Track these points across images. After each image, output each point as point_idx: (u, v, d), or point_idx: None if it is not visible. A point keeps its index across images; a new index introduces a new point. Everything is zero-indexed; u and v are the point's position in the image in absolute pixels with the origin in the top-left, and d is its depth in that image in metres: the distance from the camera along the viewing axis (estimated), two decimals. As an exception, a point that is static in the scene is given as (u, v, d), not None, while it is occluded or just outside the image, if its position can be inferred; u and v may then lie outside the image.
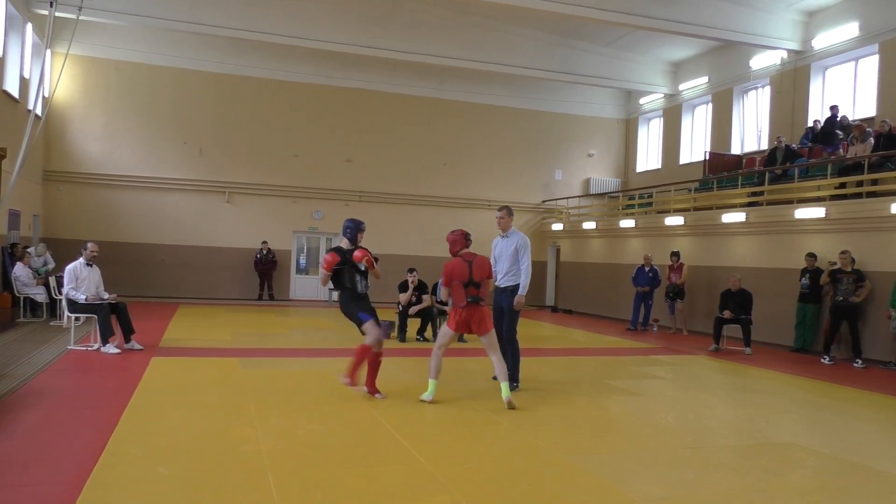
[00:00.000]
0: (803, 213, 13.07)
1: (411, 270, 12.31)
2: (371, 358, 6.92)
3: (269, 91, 19.99)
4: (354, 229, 7.01)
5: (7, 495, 4.06)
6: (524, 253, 7.65)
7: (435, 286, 12.49)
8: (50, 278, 12.70)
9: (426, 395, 6.84)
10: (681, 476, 4.98)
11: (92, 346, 9.35)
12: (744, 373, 10.19)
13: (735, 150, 18.78)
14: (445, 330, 7.07)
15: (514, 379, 7.65)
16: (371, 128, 20.89)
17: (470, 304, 6.86)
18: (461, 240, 7.07)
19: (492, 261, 7.94)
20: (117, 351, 9.11)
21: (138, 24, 17.15)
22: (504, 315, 7.74)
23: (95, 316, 9.27)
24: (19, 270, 12.77)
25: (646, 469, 5.12)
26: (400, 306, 12.07)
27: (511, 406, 6.66)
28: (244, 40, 17.89)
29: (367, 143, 20.86)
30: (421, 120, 21.39)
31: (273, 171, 19.99)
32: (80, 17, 14.53)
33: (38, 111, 14.40)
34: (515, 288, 7.64)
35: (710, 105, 19.95)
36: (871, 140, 13.07)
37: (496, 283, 7.79)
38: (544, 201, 22.73)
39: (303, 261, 21.02)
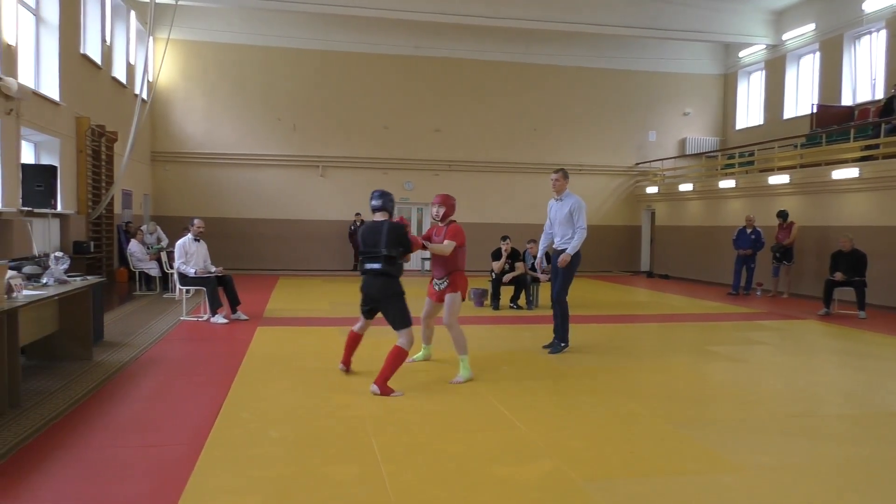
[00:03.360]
0: (925, 166, 12.12)
1: (504, 238, 12.26)
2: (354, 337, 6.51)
3: (357, 64, 20.22)
4: (393, 200, 6.29)
5: (134, 455, 4.37)
6: (579, 215, 7.62)
7: (525, 253, 12.41)
8: (161, 253, 13.46)
9: (465, 376, 6.36)
10: (792, 445, 4.78)
11: (202, 317, 9.87)
12: (858, 338, 9.63)
13: (846, 101, 17.54)
14: (459, 300, 6.57)
15: (563, 339, 7.82)
16: (459, 96, 20.83)
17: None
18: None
19: (547, 224, 8.02)
20: (225, 321, 9.59)
21: (232, 5, 17.66)
22: (558, 276, 7.78)
23: (204, 288, 9.78)
24: (134, 247, 13.60)
25: (753, 437, 4.94)
26: (493, 274, 12.08)
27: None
28: (332, 15, 18.11)
29: (455, 111, 20.83)
30: (509, 86, 21.12)
31: (364, 144, 20.32)
32: (179, 3, 15.12)
33: (144, 95, 15.16)
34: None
35: (818, 54, 18.65)
36: None
37: (555, 246, 7.83)
38: (638, 164, 22.09)
39: (395, 231, 21.30)
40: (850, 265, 11.67)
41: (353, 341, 6.52)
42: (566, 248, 7.63)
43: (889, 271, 12.52)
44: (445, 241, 6.47)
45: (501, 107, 21.11)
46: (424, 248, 6.49)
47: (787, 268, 14.51)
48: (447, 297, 6.57)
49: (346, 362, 6.55)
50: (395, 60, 20.41)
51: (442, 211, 6.62)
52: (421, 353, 7.17)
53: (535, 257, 12.00)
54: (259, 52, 19.71)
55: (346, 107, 20.25)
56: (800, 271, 14.74)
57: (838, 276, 11.69)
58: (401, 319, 5.91)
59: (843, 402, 6.18)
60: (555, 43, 20.78)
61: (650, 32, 19.32)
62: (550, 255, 8.07)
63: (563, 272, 7.71)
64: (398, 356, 5.85)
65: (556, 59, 21.23)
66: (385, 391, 5.73)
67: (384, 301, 5.96)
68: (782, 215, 14.55)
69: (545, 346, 7.98)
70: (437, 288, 6.68)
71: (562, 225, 7.72)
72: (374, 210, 6.13)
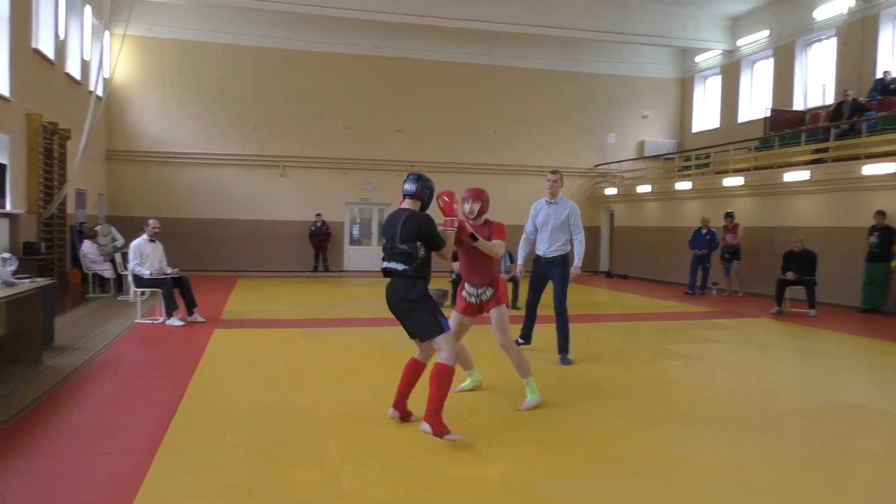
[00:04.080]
0: (872, 169, 12.50)
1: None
2: (420, 370, 5.02)
3: (319, 64, 20.06)
4: (431, 188, 5.00)
5: (85, 462, 4.25)
6: (579, 222, 7.30)
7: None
8: (116, 254, 13.15)
9: (533, 401, 5.58)
10: (748, 441, 4.87)
11: (157, 320, 9.66)
12: (809, 335, 9.89)
13: (798, 106, 18.04)
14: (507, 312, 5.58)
15: (566, 350, 7.40)
16: (421, 97, 20.81)
17: None
18: None
19: (529, 227, 7.58)
20: (181, 324, 9.41)
21: (191, 1, 17.31)
22: (555, 286, 7.35)
23: (160, 290, 9.58)
24: (87, 248, 13.26)
25: (711, 434, 5.03)
26: (453, 274, 12.08)
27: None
28: (293, 14, 17.96)
29: (417, 112, 20.81)
30: (471, 87, 21.18)
31: (325, 144, 20.16)
32: (134, -2, 14.78)
33: (99, 92, 14.80)
34: (564, 258, 7.34)
35: (772, 60, 19.14)
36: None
37: (541, 253, 7.40)
38: (597, 165, 22.34)
39: (356, 232, 21.25)
40: (801, 265, 11.99)
41: (411, 374, 4.96)
42: (558, 254, 7.30)
43: (838, 271, 12.89)
44: (494, 241, 5.33)
45: (463, 108, 21.15)
46: (474, 241, 5.15)
47: (736, 267, 14.86)
48: (494, 311, 5.45)
49: (400, 405, 4.97)
50: (357, 60, 20.30)
51: (477, 207, 5.46)
52: (469, 381, 5.92)
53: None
54: (218, 49, 19.41)
55: (306, 106, 20.06)
56: (753, 270, 15.08)
57: (790, 275, 12.00)
58: (430, 326, 4.61)
59: (796, 398, 6.33)
60: (516, 45, 20.91)
61: (610, 36, 19.60)
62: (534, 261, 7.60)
63: (562, 279, 7.31)
64: (442, 377, 4.49)
65: (518, 60, 21.36)
66: (440, 430, 4.40)
67: (403, 309, 4.67)
68: (729, 216, 14.89)
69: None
70: (474, 300, 5.48)
71: (555, 230, 7.28)
72: (405, 196, 4.86)
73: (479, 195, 5.50)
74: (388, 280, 4.80)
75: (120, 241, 14.18)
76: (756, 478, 4.15)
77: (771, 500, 3.86)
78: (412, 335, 4.88)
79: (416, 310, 4.63)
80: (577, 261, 7.37)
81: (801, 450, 4.72)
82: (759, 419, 5.48)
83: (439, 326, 4.61)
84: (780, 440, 4.93)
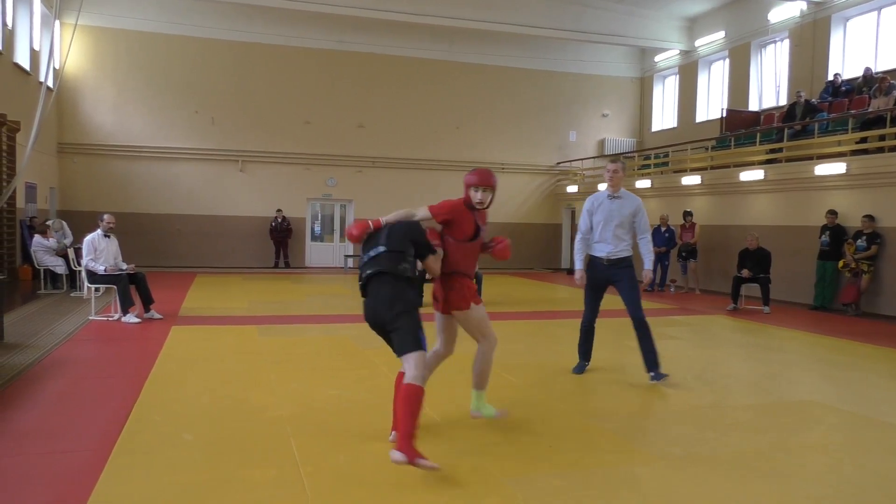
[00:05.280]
0: (823, 169, 12.86)
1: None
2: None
3: (279, 58, 19.82)
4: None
5: (35, 463, 4.13)
6: (646, 219, 6.50)
7: None
8: (69, 250, 12.81)
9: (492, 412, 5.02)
10: (701, 435, 4.97)
11: (112, 317, 9.47)
12: (763, 332, 10.14)
13: (753, 106, 18.46)
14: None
15: (657, 364, 6.50)
16: (383, 92, 20.72)
17: None
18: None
19: (584, 224, 6.62)
20: (137, 320, 9.23)
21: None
22: (625, 292, 6.56)
23: (115, 286, 9.38)
24: (38, 243, 12.89)
25: (665, 429, 5.12)
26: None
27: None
28: (253, 6, 17.71)
29: (378, 108, 20.71)
30: (433, 83, 21.17)
31: (285, 139, 19.95)
32: (87, -13, 14.38)
33: (50, 83, 14.37)
34: (630, 259, 6.56)
35: (727, 61, 19.56)
36: (895, 93, 12.77)
37: (602, 255, 6.51)
38: (559, 163, 22.54)
39: (317, 228, 21.08)
40: (756, 262, 12.28)
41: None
42: (626, 257, 6.50)
43: (791, 269, 13.24)
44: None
45: (425, 104, 21.13)
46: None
47: (693, 265, 15.17)
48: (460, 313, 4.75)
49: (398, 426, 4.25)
50: (318, 54, 20.12)
51: (489, 197, 4.68)
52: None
53: None
54: (175, 41, 19.04)
55: (266, 101, 19.82)
56: (709, 268, 15.40)
57: (745, 272, 12.28)
58: (410, 340, 4.06)
59: (749, 393, 6.49)
60: (479, 41, 20.96)
61: (571, 35, 19.78)
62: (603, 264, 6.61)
63: (633, 284, 6.52)
64: (411, 398, 3.96)
65: (480, 57, 21.42)
66: (413, 456, 3.78)
67: (391, 316, 4.08)
68: (688, 214, 15.18)
69: (654, 377, 6.49)
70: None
71: (619, 229, 6.41)
72: None
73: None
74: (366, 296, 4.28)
75: (69, 239, 13.80)
76: (708, 471, 4.24)
77: (720, 492, 3.95)
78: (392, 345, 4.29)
79: (408, 319, 4.09)
80: (648, 262, 6.60)
81: (752, 443, 4.83)
82: (712, 413, 5.60)
83: (419, 342, 4.10)
84: (732, 434, 5.04)
